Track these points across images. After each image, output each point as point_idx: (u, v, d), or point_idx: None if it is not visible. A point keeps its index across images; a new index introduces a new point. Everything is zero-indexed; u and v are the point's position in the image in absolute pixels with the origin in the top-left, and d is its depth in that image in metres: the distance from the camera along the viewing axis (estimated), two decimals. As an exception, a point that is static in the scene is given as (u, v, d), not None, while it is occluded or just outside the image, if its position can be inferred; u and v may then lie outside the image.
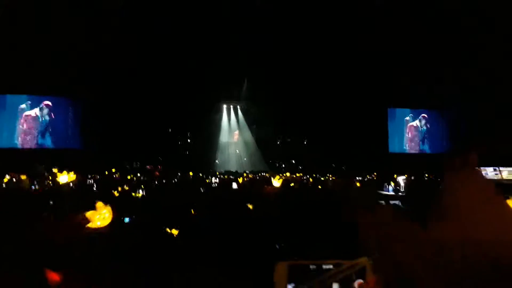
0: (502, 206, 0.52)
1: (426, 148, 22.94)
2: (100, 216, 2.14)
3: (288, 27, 17.45)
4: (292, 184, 7.72)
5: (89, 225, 2.10)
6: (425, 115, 23.26)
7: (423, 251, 0.54)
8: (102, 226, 2.13)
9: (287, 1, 16.59)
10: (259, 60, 18.49)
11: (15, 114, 18.67)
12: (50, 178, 9.00)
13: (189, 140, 21.87)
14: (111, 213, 2.20)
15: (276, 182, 5.40)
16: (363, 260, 0.98)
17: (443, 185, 0.61)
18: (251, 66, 19.01)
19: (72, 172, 6.43)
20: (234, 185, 5.73)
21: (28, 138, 18.79)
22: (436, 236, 0.54)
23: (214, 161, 22.57)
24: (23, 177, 7.35)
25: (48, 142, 19.09)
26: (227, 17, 16.87)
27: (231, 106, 23.78)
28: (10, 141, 18.43)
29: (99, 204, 2.17)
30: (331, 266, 1.06)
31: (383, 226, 0.63)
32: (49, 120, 19.26)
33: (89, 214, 2.13)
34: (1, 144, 18.11)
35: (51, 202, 4.23)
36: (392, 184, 9.44)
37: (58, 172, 6.99)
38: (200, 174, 13.90)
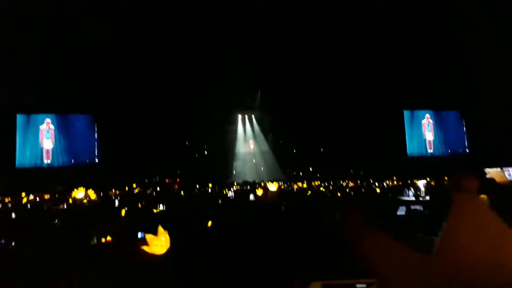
0: (501, 239, 0.50)
1: (444, 150, 22.45)
2: (159, 243, 2.07)
3: (301, 35, 17.53)
4: (309, 193, 7.71)
5: (145, 247, 2.04)
6: (442, 116, 22.85)
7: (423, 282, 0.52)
8: (158, 253, 2.05)
9: (299, 11, 16.67)
10: (272, 68, 18.59)
11: (37, 133, 19.29)
12: (70, 196, 9.26)
13: (205, 152, 22.04)
14: (169, 241, 2.11)
15: (272, 186, 5.41)
16: None
17: (449, 215, 0.58)
18: (264, 75, 19.11)
19: (91, 190, 6.55)
20: (251, 197, 5.74)
21: (49, 156, 19.33)
22: (438, 268, 0.52)
23: (232, 171, 22.65)
24: (46, 196, 7.55)
25: (68, 159, 19.57)
26: (241, 28, 17.07)
27: (246, 116, 23.89)
28: (34, 160, 19.00)
29: (160, 229, 2.10)
30: (364, 286, 1.07)
31: (380, 251, 0.60)
32: (70, 137, 19.79)
33: (149, 237, 2.07)
34: (25, 163, 18.69)
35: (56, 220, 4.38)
36: (412, 189, 9.27)
37: (75, 189, 7.14)
38: (217, 188, 13.96)
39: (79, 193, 5.51)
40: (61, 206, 6.61)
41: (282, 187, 12.56)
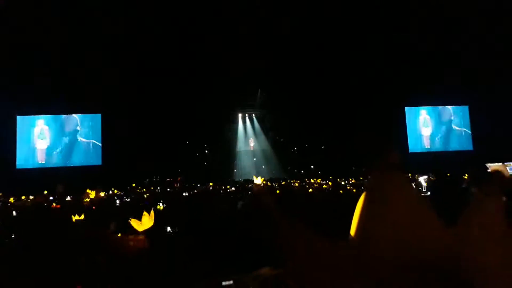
0: (422, 213, 0.49)
1: (446, 146, 22.40)
2: (145, 220, 2.35)
3: (302, 33, 17.49)
4: (310, 190, 7.68)
5: (133, 222, 2.33)
6: (443, 112, 22.80)
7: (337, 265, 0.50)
8: (146, 226, 2.32)
9: (299, 9, 16.64)
10: (272, 67, 18.56)
11: (33, 134, 19.27)
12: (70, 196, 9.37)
13: (206, 151, 22.03)
14: (153, 216, 2.38)
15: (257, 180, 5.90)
16: (266, 271, 0.97)
17: (366, 191, 0.57)
18: (265, 74, 19.08)
19: (93, 192, 6.65)
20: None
21: (43, 157, 19.28)
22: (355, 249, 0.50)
23: (233, 170, 22.63)
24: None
25: (68, 159, 19.57)
26: (242, 27, 17.06)
27: (246, 115, 23.86)
28: (32, 160, 18.99)
29: (145, 213, 2.38)
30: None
31: (295, 239, 0.58)
32: (69, 138, 19.78)
33: (133, 222, 2.34)
34: (25, 164, 18.69)
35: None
36: (414, 185, 9.24)
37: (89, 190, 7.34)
38: (217, 187, 13.95)
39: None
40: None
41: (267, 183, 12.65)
